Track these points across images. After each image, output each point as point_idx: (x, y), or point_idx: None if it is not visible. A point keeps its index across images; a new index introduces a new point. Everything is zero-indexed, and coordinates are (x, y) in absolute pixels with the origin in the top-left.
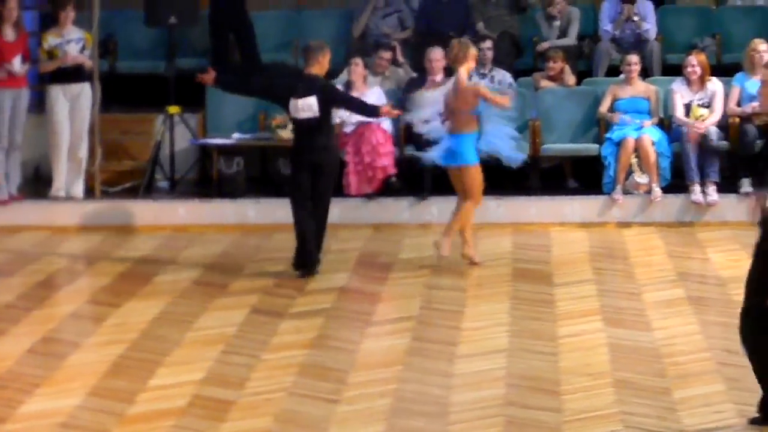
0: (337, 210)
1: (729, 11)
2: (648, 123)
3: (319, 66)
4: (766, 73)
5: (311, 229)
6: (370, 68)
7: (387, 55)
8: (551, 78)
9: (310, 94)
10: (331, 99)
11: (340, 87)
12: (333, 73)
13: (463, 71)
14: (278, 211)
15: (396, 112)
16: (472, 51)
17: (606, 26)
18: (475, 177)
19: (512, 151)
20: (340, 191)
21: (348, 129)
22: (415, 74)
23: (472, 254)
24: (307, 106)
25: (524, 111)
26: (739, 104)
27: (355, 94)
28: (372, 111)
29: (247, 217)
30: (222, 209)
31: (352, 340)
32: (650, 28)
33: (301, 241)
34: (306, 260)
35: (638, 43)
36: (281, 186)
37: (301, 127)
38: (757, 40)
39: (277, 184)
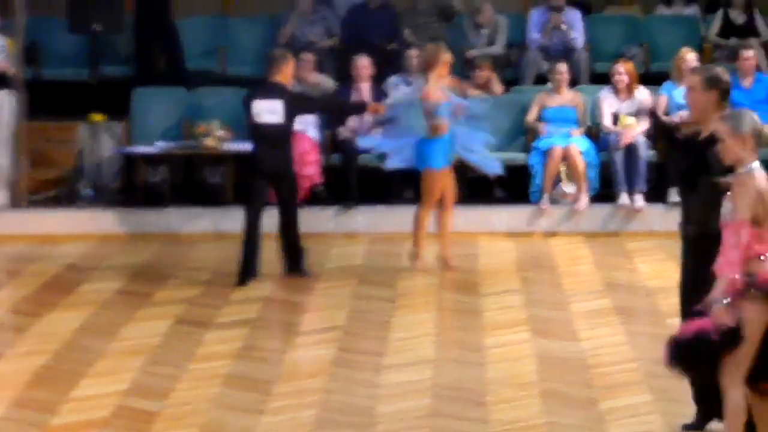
0: (265, 219)
1: (656, 20)
2: (576, 132)
3: (282, 75)
4: (691, 79)
5: (257, 240)
6: (294, 74)
7: (309, 57)
8: (478, 86)
9: (274, 98)
10: (299, 105)
11: None
12: (259, 80)
13: (433, 77)
14: (203, 220)
15: (381, 107)
16: (444, 56)
17: (534, 35)
18: (432, 182)
19: (488, 159)
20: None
21: None
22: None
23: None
24: (270, 110)
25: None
26: (666, 113)
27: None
28: (357, 108)
29: (171, 226)
30: (147, 218)
31: (279, 351)
32: (578, 36)
33: (247, 251)
34: (244, 270)
35: (566, 52)
36: (206, 194)
37: (263, 133)
38: (684, 49)
39: (202, 192)
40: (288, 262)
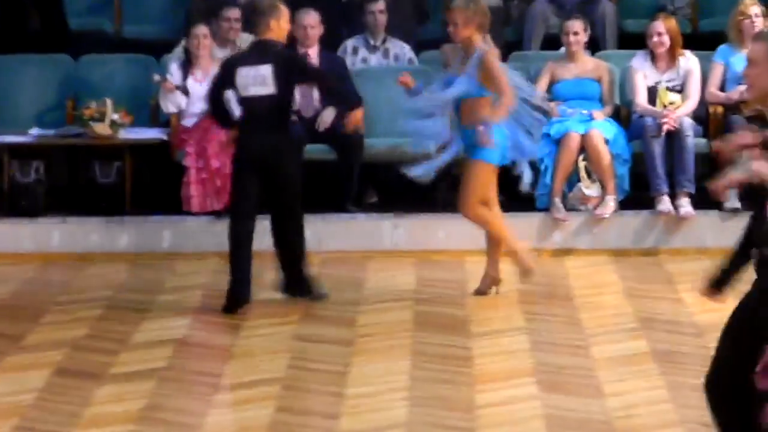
0: (173, 233)
1: None
2: (599, 114)
3: (272, 32)
4: (753, 50)
5: (248, 255)
6: (216, 36)
7: (234, 14)
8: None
9: (262, 63)
10: (295, 70)
11: (174, 65)
12: (168, 45)
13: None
14: (92, 234)
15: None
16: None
17: None
18: (487, 178)
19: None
20: (178, 208)
21: (187, 122)
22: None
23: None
24: (259, 79)
25: None
26: (722, 88)
27: (198, 74)
28: (357, 102)
29: (49, 243)
30: (15, 232)
31: (194, 412)
32: None
33: (234, 270)
34: (233, 294)
35: (585, 5)
36: (96, 200)
37: (250, 111)
38: (748, 1)
39: (90, 197)
40: (290, 285)
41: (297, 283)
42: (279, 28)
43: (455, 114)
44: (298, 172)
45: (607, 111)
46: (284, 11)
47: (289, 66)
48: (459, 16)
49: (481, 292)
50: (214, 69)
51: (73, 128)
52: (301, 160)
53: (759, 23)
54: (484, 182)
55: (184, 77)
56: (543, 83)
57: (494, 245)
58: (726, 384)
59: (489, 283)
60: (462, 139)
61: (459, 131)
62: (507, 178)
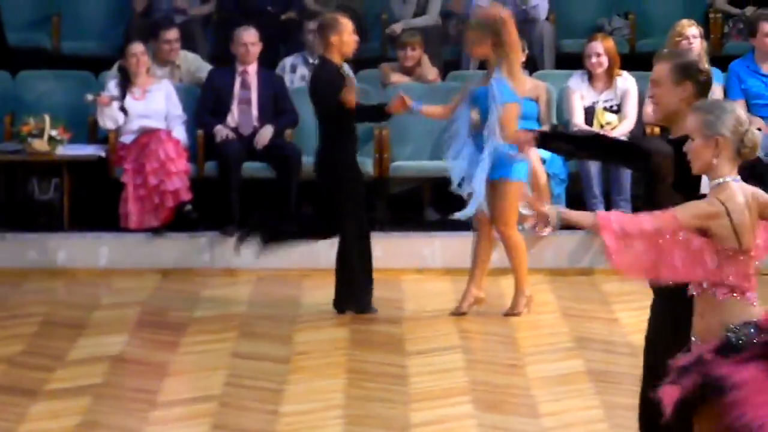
0: (110, 250)
1: None
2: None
3: (332, 48)
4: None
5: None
6: (154, 56)
7: (173, 35)
8: (406, 70)
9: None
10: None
11: (112, 82)
12: (106, 62)
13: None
14: (30, 249)
15: (407, 102)
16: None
17: (480, 0)
18: (514, 197)
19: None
20: (115, 224)
21: (125, 138)
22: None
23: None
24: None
25: None
26: None
27: (136, 92)
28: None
29: None
30: None
31: (130, 429)
32: (539, 3)
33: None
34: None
35: (523, 24)
36: (34, 216)
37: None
38: (685, 22)
39: (28, 213)
40: (344, 297)
41: (351, 296)
42: (338, 42)
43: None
44: (336, 188)
45: (545, 130)
46: (342, 25)
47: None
48: (473, 34)
49: (460, 312)
50: (152, 86)
51: (11, 144)
52: (347, 177)
53: (696, 44)
54: (516, 200)
55: (123, 95)
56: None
57: (482, 265)
58: (647, 403)
59: (472, 302)
60: (495, 155)
61: (491, 148)
62: (442, 197)
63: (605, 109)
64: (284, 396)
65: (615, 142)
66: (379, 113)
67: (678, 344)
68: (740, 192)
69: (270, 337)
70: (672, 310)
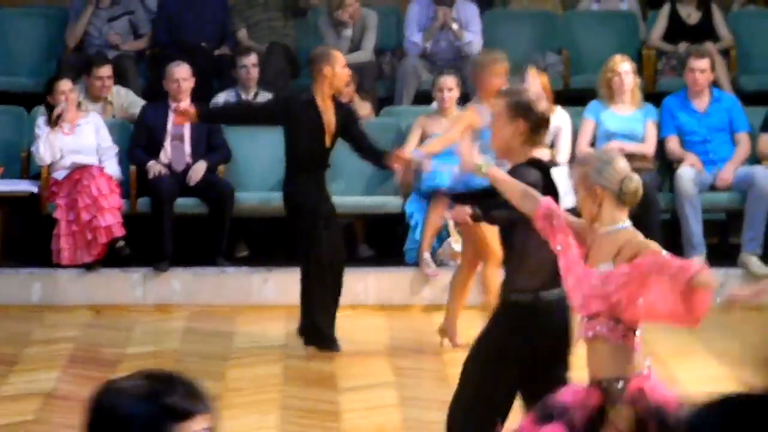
0: (42, 285)
1: (580, 18)
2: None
3: (323, 80)
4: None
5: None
6: (87, 91)
7: (106, 71)
8: None
9: None
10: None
11: (42, 119)
12: (39, 97)
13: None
14: None
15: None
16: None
17: (413, 36)
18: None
19: None
20: (48, 260)
21: (58, 174)
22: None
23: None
24: None
25: None
26: (593, 144)
27: (65, 127)
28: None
29: None
30: None
31: None
32: (473, 39)
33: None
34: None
35: (457, 60)
36: None
37: None
38: (618, 58)
39: None
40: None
41: (306, 330)
42: (325, 79)
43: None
44: (297, 223)
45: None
46: (330, 59)
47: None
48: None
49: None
50: (81, 120)
51: None
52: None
53: (629, 80)
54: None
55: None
56: (414, 138)
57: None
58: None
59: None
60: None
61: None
62: (375, 233)
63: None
64: None
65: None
66: (379, 161)
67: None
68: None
69: (203, 373)
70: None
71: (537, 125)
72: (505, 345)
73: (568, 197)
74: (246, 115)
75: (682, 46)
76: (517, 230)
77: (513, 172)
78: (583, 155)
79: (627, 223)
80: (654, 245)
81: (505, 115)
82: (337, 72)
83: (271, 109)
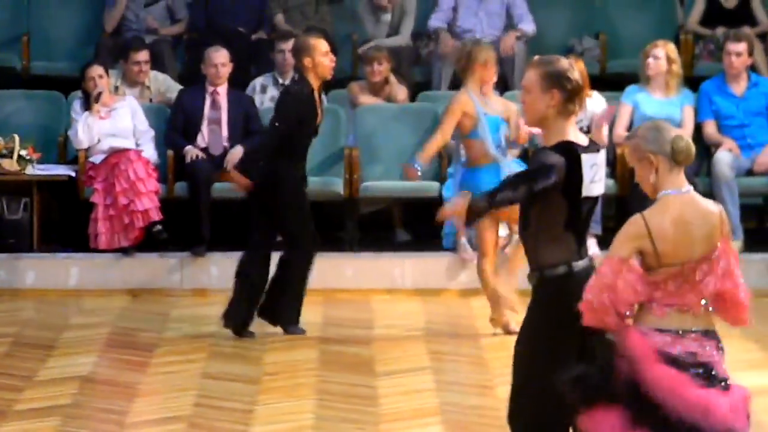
0: (80, 270)
1: (617, 2)
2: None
3: (307, 71)
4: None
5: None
6: (124, 76)
7: (143, 56)
8: (373, 87)
9: None
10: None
11: (78, 102)
12: (76, 82)
13: (471, 85)
14: None
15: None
16: (480, 56)
17: (451, 19)
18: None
19: None
20: (85, 245)
21: (95, 158)
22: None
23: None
24: None
25: (338, 135)
26: (630, 129)
27: (102, 111)
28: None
29: None
30: None
31: None
32: (524, 18)
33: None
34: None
35: (494, 44)
36: (4, 236)
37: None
38: (659, 42)
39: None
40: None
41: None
42: (311, 64)
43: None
44: (288, 210)
45: (516, 151)
46: (315, 44)
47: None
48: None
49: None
50: (117, 104)
51: None
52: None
53: (662, 65)
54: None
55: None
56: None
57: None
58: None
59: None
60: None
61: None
62: (412, 218)
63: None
64: (254, 417)
65: (519, 174)
66: None
67: None
68: (673, 205)
69: (240, 358)
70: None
71: (572, 95)
72: (552, 322)
73: (599, 184)
74: (278, 137)
75: (720, 31)
76: (535, 205)
77: (535, 156)
78: (632, 130)
79: (689, 187)
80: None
81: (539, 85)
82: (317, 61)
83: (294, 115)
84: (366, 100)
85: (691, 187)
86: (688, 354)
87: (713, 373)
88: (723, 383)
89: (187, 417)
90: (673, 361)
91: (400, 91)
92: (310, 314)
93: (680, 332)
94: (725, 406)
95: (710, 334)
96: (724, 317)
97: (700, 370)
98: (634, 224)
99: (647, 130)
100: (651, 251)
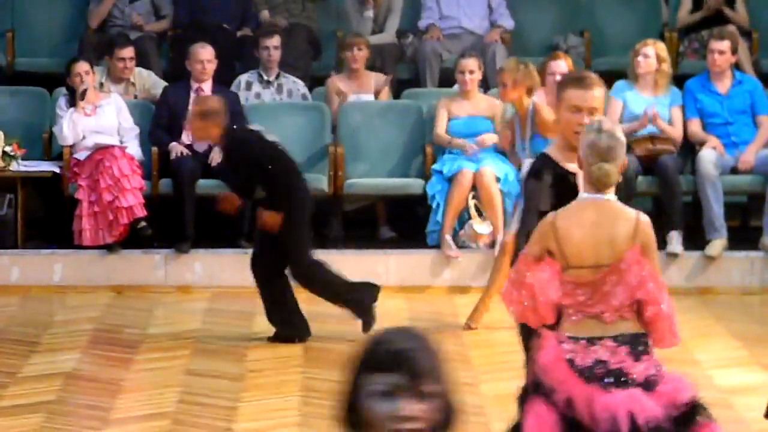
0: (64, 266)
1: (602, 1)
2: (487, 138)
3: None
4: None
5: None
6: (109, 73)
7: (128, 53)
8: (353, 73)
9: None
10: None
11: (63, 99)
12: (61, 79)
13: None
14: None
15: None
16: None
17: (436, 17)
18: None
19: None
20: (69, 241)
21: (80, 154)
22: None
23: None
24: None
25: (322, 132)
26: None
27: (86, 107)
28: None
29: None
30: None
31: None
32: (502, 19)
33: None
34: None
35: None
36: None
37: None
38: (648, 41)
39: None
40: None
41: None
42: None
43: None
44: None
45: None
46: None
47: None
48: (508, 78)
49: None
50: (104, 101)
51: None
52: None
53: (650, 64)
54: None
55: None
56: (443, 119)
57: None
58: None
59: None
60: None
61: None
62: (396, 215)
63: None
64: (238, 413)
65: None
66: None
67: None
68: (585, 209)
69: (224, 355)
70: None
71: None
72: None
73: None
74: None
75: (705, 30)
76: None
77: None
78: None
79: (611, 195)
80: None
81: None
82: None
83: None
84: (345, 88)
85: (614, 196)
86: (597, 363)
87: (623, 379)
88: (642, 384)
89: (171, 414)
90: (581, 372)
91: (381, 79)
92: None
93: (591, 340)
94: (635, 406)
95: (622, 339)
96: (652, 339)
97: (612, 379)
98: (543, 223)
99: (593, 139)
100: (557, 251)
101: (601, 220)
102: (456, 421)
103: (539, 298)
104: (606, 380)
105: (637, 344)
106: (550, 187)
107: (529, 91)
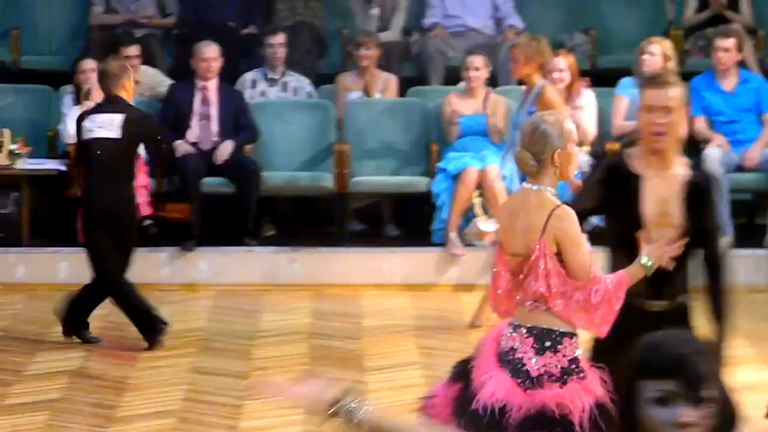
0: (69, 264)
1: None
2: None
3: (125, 90)
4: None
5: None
6: None
7: (133, 51)
8: (362, 71)
9: (113, 112)
10: (143, 130)
11: (69, 97)
12: (66, 76)
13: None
14: None
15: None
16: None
17: (442, 14)
18: None
19: None
20: (75, 239)
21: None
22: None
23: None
24: (106, 123)
25: (327, 130)
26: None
27: (91, 105)
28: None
29: None
30: None
31: None
32: (509, 16)
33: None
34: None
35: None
36: None
37: (94, 156)
38: (654, 39)
39: None
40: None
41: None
42: (128, 86)
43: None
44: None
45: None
46: (131, 72)
47: (136, 123)
48: (521, 54)
49: (477, 325)
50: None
51: None
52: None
53: (655, 62)
54: None
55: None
56: (449, 112)
57: None
58: None
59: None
60: None
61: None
62: (402, 213)
63: None
64: (243, 411)
65: None
66: None
67: None
68: (516, 197)
69: (229, 353)
70: None
71: None
72: None
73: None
74: None
75: (711, 28)
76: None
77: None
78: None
79: (546, 186)
80: None
81: (684, 104)
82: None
83: None
84: (353, 87)
85: (548, 188)
86: (511, 349)
87: (520, 368)
88: (530, 381)
89: (176, 412)
90: (499, 355)
91: (390, 79)
92: (299, 309)
93: (515, 327)
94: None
95: (532, 330)
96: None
97: (516, 365)
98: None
99: (535, 129)
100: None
101: (523, 209)
102: (736, 424)
103: (496, 290)
104: (509, 367)
105: (545, 339)
106: (604, 184)
107: (541, 68)
